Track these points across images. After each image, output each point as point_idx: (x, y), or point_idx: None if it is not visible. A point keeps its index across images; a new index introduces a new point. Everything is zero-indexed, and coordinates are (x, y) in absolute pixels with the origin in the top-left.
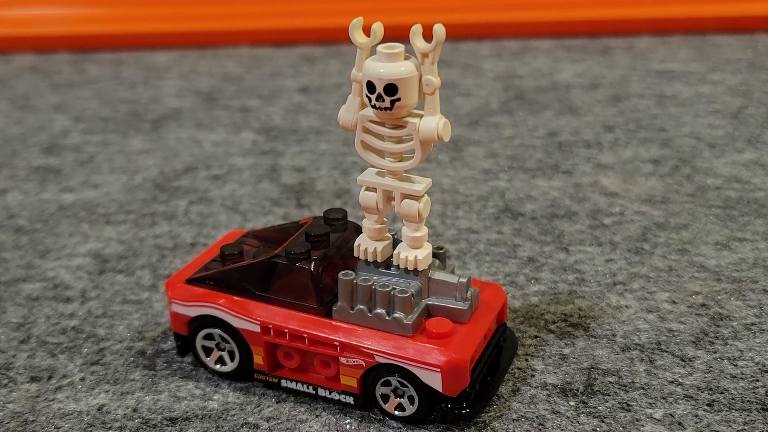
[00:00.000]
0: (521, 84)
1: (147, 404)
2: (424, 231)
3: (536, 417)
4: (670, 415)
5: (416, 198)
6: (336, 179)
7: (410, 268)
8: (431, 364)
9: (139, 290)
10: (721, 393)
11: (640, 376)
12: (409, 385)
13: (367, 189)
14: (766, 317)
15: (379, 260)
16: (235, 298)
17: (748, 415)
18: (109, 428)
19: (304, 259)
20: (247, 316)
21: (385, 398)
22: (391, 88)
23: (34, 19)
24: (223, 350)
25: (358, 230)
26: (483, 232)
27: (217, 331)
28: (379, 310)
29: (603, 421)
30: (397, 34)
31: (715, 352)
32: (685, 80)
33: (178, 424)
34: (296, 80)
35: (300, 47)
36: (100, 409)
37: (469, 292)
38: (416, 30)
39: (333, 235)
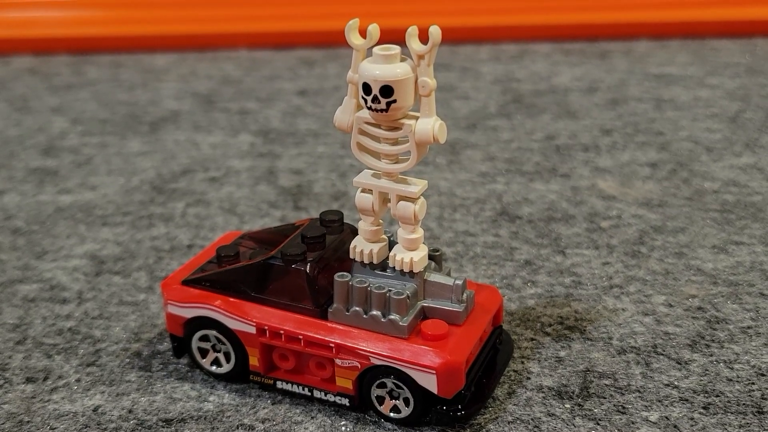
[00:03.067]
0: (519, 87)
1: (142, 405)
2: (419, 233)
3: (531, 419)
4: (666, 417)
5: (412, 200)
6: (333, 182)
7: (406, 270)
8: (426, 366)
9: (136, 292)
10: (717, 396)
11: (636, 378)
12: (404, 387)
13: (363, 191)
14: (762, 321)
15: (374, 262)
16: (231, 299)
17: (744, 418)
18: (104, 429)
19: (300, 261)
20: (243, 318)
21: (381, 400)
22: (386, 90)
23: (33, 21)
24: (219, 352)
25: (354, 232)
26: (480, 235)
27: (212, 333)
28: (374, 312)
29: (598, 424)
30: (393, 37)
31: (711, 356)
32: (683, 84)
33: (173, 426)
34: (294, 83)
35: (298, 50)
36: (95, 410)
37: (464, 295)
38: (412, 32)
39: (329, 237)
